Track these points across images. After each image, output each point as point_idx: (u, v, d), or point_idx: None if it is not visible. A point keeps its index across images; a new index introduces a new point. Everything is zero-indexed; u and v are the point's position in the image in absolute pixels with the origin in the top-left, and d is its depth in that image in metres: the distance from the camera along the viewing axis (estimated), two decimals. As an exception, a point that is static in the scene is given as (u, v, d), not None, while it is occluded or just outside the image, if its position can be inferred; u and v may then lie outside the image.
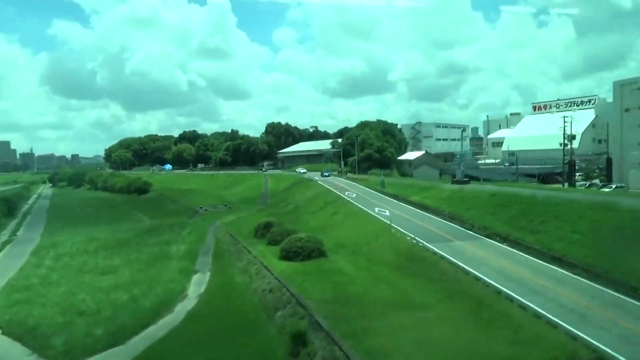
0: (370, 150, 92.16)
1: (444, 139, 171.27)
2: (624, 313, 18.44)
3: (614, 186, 56.99)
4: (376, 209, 44.39)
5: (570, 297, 20.47)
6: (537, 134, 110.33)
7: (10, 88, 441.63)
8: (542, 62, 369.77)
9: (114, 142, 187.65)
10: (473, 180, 78.88)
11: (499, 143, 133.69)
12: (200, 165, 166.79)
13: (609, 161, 66.73)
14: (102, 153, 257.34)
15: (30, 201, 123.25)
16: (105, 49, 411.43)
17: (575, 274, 23.38)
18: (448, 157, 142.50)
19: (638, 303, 19.36)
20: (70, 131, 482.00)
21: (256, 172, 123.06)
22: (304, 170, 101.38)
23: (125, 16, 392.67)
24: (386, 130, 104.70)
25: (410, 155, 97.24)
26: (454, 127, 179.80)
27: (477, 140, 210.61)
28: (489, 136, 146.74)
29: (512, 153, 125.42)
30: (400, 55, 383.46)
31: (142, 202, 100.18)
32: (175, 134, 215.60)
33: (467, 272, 24.54)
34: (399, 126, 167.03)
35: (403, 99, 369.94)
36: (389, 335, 18.70)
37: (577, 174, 74.86)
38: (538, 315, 18.75)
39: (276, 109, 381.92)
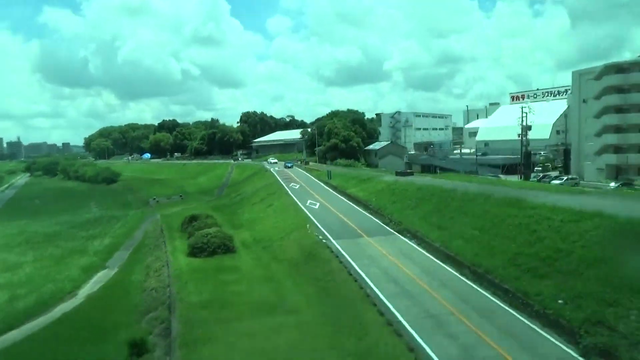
0: (336, 139, 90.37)
1: (424, 129, 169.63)
2: (486, 321, 17.05)
3: (565, 178, 55.66)
4: (308, 202, 42.91)
5: (441, 301, 19.07)
6: (509, 124, 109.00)
7: (0, 76, 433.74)
8: (538, 51, 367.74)
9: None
10: (443, 171, 77.78)
11: (474, 133, 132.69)
12: (177, 155, 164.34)
13: (566, 152, 65.45)
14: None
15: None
16: (97, 36, 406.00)
17: (461, 275, 22.06)
18: (427, 146, 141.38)
19: (508, 309, 17.98)
20: (63, 120, 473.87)
21: (231, 161, 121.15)
22: (275, 160, 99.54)
23: (116, 3, 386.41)
24: (356, 119, 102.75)
25: (376, 145, 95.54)
26: (435, 117, 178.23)
27: (460, 130, 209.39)
28: (466, 126, 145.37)
29: (486, 143, 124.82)
30: (396, 44, 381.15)
31: (103, 192, 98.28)
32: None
33: (351, 273, 23.12)
34: (381, 114, 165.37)
35: (399, 88, 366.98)
36: (231, 343, 17.32)
37: (541, 165, 73.72)
38: (391, 323, 17.34)
39: (271, 97, 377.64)
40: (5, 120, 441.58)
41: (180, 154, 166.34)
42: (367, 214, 36.68)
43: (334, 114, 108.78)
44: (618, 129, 56.36)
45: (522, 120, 65.58)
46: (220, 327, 18.95)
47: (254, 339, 17.55)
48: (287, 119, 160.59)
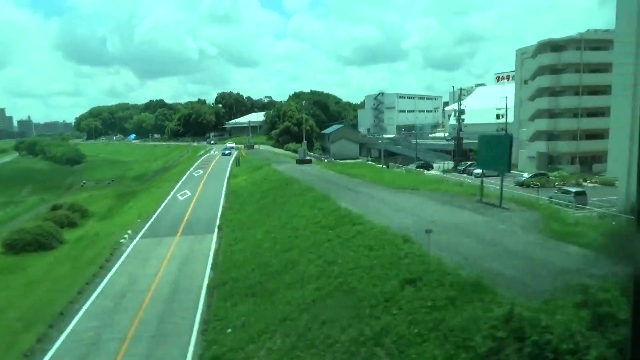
0: (289, 122, 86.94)
1: (409, 111, 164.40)
2: (139, 350, 14.21)
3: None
4: (182, 192, 40.19)
5: (134, 323, 16.23)
6: (479, 107, 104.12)
7: (23, 54, 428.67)
8: (563, 28, 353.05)
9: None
10: (392, 158, 73.95)
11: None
12: (156, 136, 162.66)
13: (506, 138, 60.99)
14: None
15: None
16: (115, 14, 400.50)
17: (206, 288, 19.14)
18: (406, 130, 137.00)
19: (192, 337, 15.06)
20: (84, 98, 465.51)
21: (193, 143, 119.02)
22: (232, 144, 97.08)
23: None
24: (317, 101, 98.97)
25: (330, 129, 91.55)
26: (422, 98, 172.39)
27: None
28: (447, 108, 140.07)
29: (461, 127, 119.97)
30: (415, 22, 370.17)
31: (59, 173, 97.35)
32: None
33: (88, 283, 20.38)
34: (366, 96, 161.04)
35: (417, 68, 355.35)
36: None
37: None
38: (33, 352, 14.60)
39: (288, 77, 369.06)
40: (27, 99, 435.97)
41: (159, 135, 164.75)
42: (217, 208, 33.73)
43: (296, 95, 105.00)
44: (552, 114, 51.88)
45: (459, 105, 61.58)
46: None
47: None
48: (265, 100, 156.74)
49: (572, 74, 50.09)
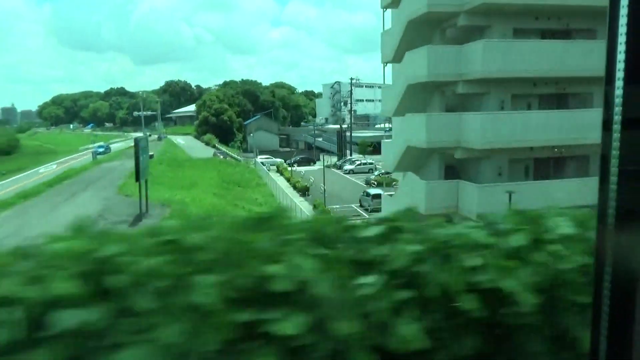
0: (207, 112, 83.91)
1: (368, 100, 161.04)
2: None
3: (358, 162, 49.35)
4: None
5: None
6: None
7: (16, 41, 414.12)
8: None
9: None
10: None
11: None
12: (107, 125, 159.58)
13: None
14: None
15: None
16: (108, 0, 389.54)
17: None
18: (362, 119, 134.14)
19: None
20: (79, 84, 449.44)
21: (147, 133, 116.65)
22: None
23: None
24: (247, 91, 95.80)
25: (248, 121, 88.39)
26: (381, 87, 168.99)
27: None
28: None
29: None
30: None
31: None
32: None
33: None
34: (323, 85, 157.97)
35: None
36: None
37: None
38: None
39: (285, 65, 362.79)
40: (20, 85, 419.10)
41: (112, 124, 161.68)
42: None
43: (225, 84, 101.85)
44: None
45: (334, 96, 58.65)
46: None
47: None
48: (215, 89, 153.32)
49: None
